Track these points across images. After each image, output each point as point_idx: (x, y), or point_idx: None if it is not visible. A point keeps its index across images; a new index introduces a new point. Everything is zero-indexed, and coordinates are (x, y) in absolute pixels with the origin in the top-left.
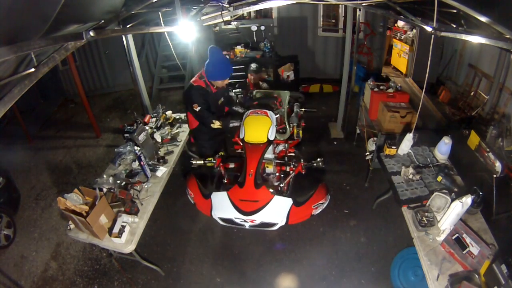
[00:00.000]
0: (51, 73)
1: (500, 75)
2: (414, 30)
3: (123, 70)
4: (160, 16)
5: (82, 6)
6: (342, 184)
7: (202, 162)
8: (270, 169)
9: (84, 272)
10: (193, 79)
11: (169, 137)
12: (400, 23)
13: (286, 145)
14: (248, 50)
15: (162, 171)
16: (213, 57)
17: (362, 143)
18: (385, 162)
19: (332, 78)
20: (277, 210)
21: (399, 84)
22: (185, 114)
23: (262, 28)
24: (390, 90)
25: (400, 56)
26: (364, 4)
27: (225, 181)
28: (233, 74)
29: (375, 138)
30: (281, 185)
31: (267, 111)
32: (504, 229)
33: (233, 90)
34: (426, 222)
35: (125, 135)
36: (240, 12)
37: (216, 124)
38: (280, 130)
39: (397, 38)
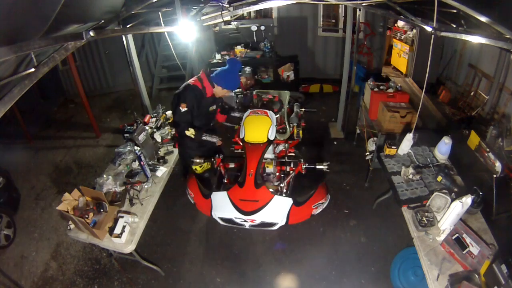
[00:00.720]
0: (51, 73)
1: (500, 75)
2: (414, 30)
3: (123, 70)
4: (160, 16)
5: (82, 6)
6: (342, 184)
7: (202, 161)
8: (270, 169)
9: (84, 272)
10: (190, 80)
11: (169, 137)
12: (400, 23)
13: (286, 145)
14: (248, 50)
15: (162, 171)
16: (231, 67)
17: (362, 143)
18: (385, 162)
19: (332, 78)
20: (277, 210)
21: (399, 84)
22: None
23: (262, 28)
24: (390, 90)
25: (400, 56)
26: (364, 4)
27: (225, 181)
28: None
29: (375, 138)
30: (281, 185)
31: (267, 111)
32: (504, 229)
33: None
34: (426, 222)
35: (125, 135)
36: (240, 12)
37: (190, 132)
38: (280, 130)
39: (397, 38)
